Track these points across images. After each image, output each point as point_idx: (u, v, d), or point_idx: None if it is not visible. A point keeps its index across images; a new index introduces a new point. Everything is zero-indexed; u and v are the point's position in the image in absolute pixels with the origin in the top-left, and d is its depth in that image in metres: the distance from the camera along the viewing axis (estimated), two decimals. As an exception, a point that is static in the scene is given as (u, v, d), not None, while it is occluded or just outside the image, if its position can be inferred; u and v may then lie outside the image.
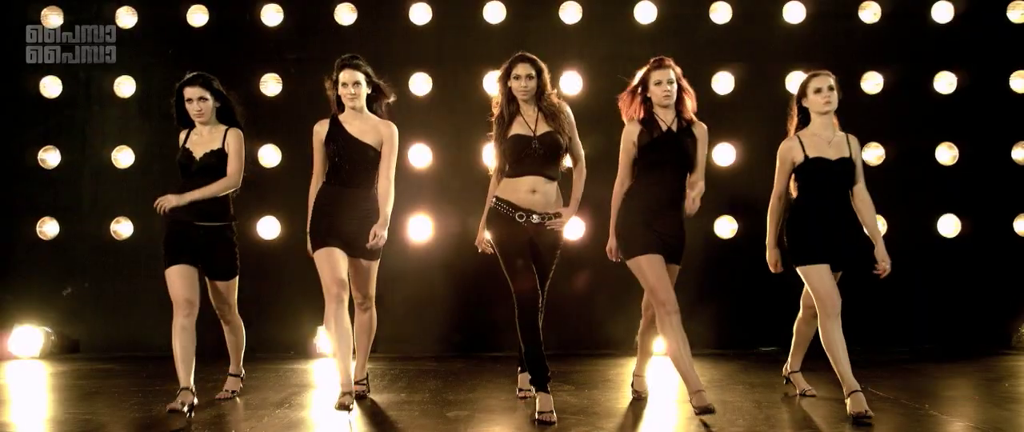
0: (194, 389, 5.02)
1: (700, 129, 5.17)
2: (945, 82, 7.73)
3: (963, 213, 7.70)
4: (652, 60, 5.16)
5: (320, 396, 5.69)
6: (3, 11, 7.89)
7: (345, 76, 5.35)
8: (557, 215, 5.17)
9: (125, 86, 7.82)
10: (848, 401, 4.76)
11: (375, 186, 5.36)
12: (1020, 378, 6.22)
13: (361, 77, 5.37)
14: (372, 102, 5.48)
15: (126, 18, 7.83)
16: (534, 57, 5.27)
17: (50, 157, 7.79)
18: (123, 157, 7.80)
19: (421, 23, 7.77)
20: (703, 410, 4.70)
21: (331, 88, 5.42)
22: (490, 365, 6.85)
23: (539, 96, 5.25)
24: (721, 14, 7.72)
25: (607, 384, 5.97)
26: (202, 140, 5.38)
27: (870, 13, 7.73)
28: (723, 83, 7.68)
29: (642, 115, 5.14)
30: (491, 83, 7.21)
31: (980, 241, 7.69)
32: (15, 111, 7.85)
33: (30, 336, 7.52)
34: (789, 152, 5.14)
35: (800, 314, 5.46)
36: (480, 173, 7.08)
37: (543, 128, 5.22)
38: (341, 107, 5.44)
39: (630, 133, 5.13)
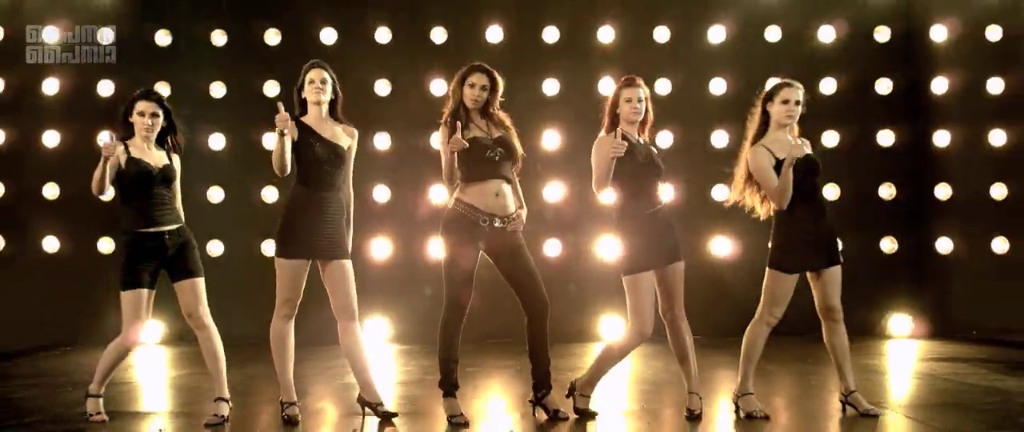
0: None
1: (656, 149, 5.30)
2: (830, 137, 9.68)
3: (845, 236, 9.55)
4: (623, 78, 5.25)
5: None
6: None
7: (313, 74, 5.22)
8: (516, 217, 5.18)
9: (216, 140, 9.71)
10: (741, 400, 5.22)
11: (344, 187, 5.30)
12: (877, 356, 8.05)
13: (328, 77, 5.24)
14: (332, 107, 5.30)
15: (216, 89, 9.73)
16: (491, 69, 5.28)
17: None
18: (214, 194, 9.65)
19: (438, 94, 9.67)
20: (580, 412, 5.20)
21: (296, 92, 5.28)
22: (494, 347, 8.62)
23: (487, 106, 5.23)
24: (664, 86, 9.68)
25: (574, 358, 7.82)
26: (147, 155, 5.23)
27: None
28: (663, 140, 9.62)
29: (612, 129, 5.12)
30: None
31: (857, 257, 9.55)
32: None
33: (152, 327, 9.35)
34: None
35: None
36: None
37: (496, 133, 5.20)
38: (302, 111, 5.29)
39: (609, 141, 5.02)
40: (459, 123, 5.09)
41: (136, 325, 5.19)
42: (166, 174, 5.27)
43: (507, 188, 5.19)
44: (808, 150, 5.24)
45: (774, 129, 5.26)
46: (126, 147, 5.22)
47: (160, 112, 5.28)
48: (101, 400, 5.30)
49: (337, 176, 5.23)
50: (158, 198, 5.21)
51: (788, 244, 5.18)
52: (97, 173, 5.04)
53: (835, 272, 5.27)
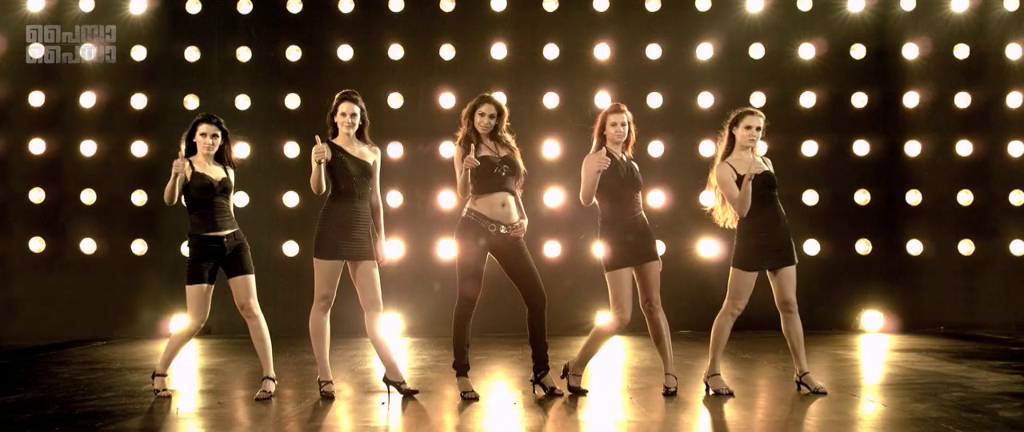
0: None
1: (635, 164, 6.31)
2: (809, 147, 10.73)
3: (823, 238, 10.64)
4: (611, 104, 6.35)
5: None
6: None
7: (345, 107, 6.17)
8: (518, 225, 6.20)
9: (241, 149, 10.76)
10: (710, 380, 6.24)
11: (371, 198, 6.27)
12: (848, 348, 9.06)
13: (358, 109, 6.21)
14: (360, 130, 6.28)
15: (242, 102, 10.78)
16: (498, 100, 6.31)
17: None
18: (239, 199, 10.69)
19: (446, 107, 10.71)
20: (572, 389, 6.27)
21: (330, 116, 6.26)
22: (496, 340, 9.70)
23: (495, 131, 6.23)
24: (655, 100, 10.74)
25: (571, 349, 8.85)
26: (208, 170, 6.22)
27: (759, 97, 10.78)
28: (655, 149, 10.67)
29: (600, 148, 6.16)
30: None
31: (833, 257, 10.62)
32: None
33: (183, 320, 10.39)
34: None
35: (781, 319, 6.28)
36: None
37: (503, 152, 6.22)
38: (334, 133, 6.26)
39: (596, 157, 6.05)
40: (473, 145, 6.14)
41: (200, 314, 6.23)
42: (224, 186, 6.28)
43: (511, 200, 6.21)
44: (767, 167, 6.27)
45: (738, 149, 6.26)
46: (190, 164, 6.21)
47: (219, 133, 6.31)
48: (166, 378, 6.35)
49: (365, 188, 6.22)
50: (218, 207, 6.22)
51: (748, 246, 6.21)
52: (169, 186, 6.07)
53: (790, 271, 6.26)
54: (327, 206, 6.22)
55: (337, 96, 6.32)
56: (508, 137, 6.33)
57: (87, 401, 6.24)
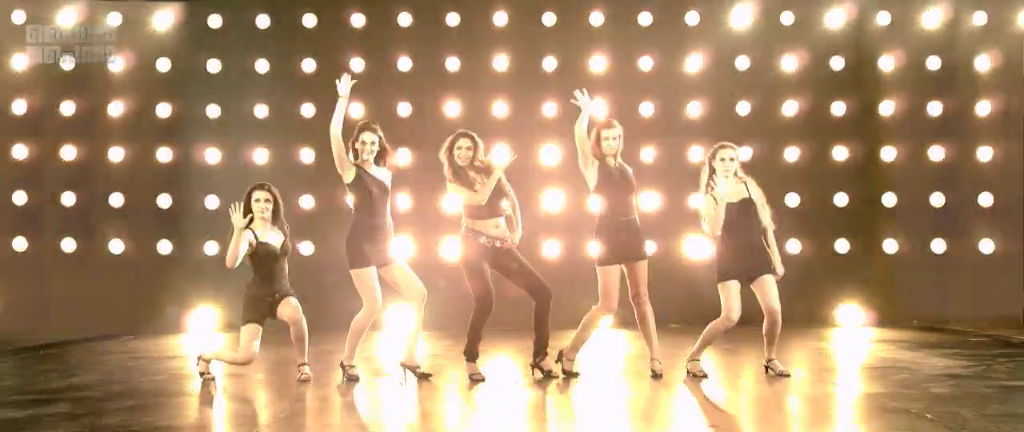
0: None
1: (630, 169, 7.33)
2: (791, 153, 11.79)
3: (805, 238, 11.69)
4: (604, 119, 7.33)
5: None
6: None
7: (365, 136, 7.14)
8: (510, 239, 7.26)
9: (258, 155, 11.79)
10: (689, 363, 7.32)
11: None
12: (824, 340, 10.12)
13: (375, 138, 7.17)
14: (379, 156, 7.26)
15: (260, 111, 11.82)
16: (472, 133, 7.28)
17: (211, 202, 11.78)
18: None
19: (451, 116, 11.74)
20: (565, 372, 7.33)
21: (351, 142, 7.14)
22: (499, 332, 10.51)
23: (473, 160, 7.20)
24: (647, 109, 11.80)
25: (564, 337, 9.91)
26: (269, 236, 7.19)
27: (744, 106, 11.83)
28: (646, 155, 11.72)
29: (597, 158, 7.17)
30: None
31: (814, 256, 11.66)
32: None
33: (204, 316, 11.53)
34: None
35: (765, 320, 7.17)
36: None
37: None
38: (356, 156, 7.15)
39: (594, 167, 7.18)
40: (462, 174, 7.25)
41: (249, 351, 7.14)
42: (284, 250, 7.33)
43: (502, 221, 7.30)
44: (746, 194, 7.20)
45: (719, 178, 7.16)
46: (253, 232, 7.14)
47: (271, 198, 7.28)
48: (210, 364, 7.41)
49: (383, 204, 7.24)
50: (279, 270, 7.29)
51: (720, 259, 7.27)
52: (232, 244, 7.01)
53: (767, 279, 7.22)
54: (353, 222, 7.20)
55: (358, 126, 7.30)
56: (485, 162, 7.26)
57: (143, 382, 7.36)
